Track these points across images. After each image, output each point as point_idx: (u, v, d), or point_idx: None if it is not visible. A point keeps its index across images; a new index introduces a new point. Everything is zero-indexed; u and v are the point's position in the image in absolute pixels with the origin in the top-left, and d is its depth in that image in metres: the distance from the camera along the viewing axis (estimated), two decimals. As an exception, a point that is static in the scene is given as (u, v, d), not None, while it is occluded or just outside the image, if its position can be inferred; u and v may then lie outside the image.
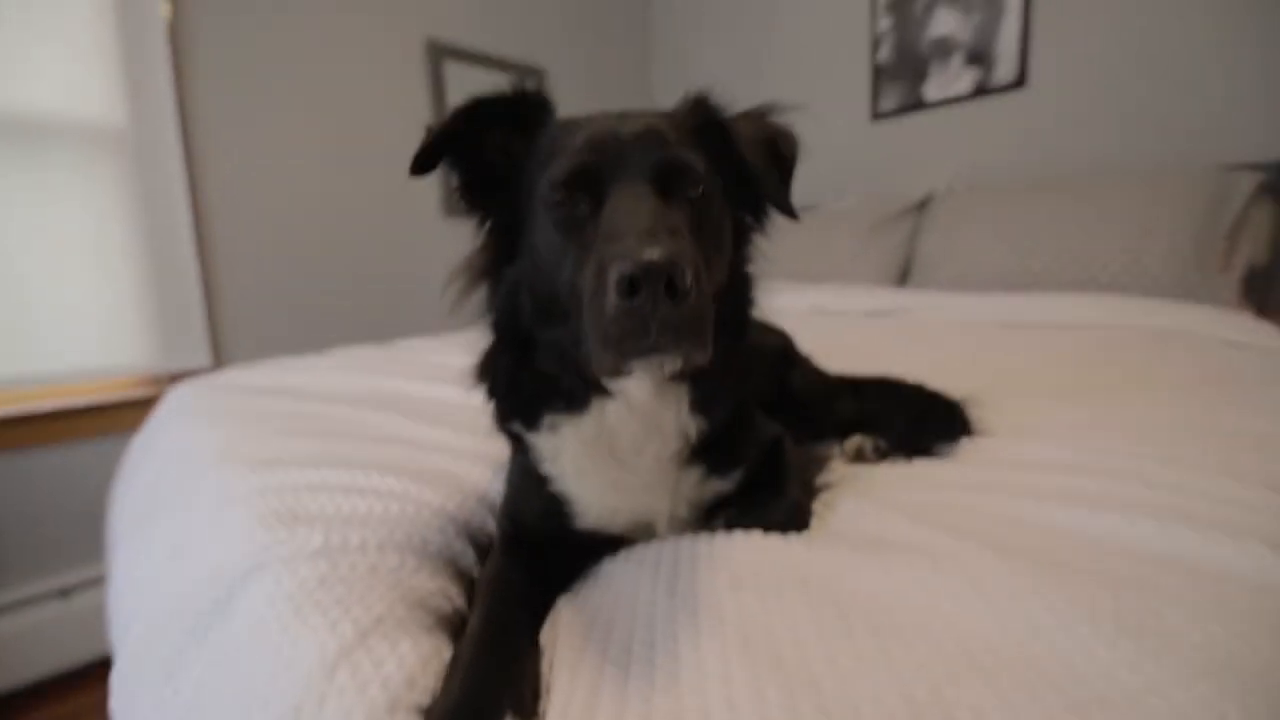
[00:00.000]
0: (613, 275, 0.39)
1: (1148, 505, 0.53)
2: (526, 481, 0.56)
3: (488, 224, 0.57)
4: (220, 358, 2.04)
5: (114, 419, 1.85)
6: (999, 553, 0.45)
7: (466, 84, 2.63)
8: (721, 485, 0.57)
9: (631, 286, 0.38)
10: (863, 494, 0.62)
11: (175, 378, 1.94)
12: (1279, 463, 0.62)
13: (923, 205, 2.26)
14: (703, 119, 0.56)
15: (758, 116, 0.59)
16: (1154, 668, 0.34)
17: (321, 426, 0.89)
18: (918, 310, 1.71)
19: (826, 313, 1.83)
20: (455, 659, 0.42)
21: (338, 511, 0.62)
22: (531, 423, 0.54)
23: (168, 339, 1.94)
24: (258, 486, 0.68)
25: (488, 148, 0.56)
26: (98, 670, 1.77)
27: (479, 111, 0.54)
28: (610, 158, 0.48)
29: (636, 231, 0.42)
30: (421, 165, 0.53)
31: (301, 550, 0.55)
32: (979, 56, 2.28)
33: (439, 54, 2.51)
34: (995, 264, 1.87)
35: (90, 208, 1.80)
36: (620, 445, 0.52)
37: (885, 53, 2.53)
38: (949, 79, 2.37)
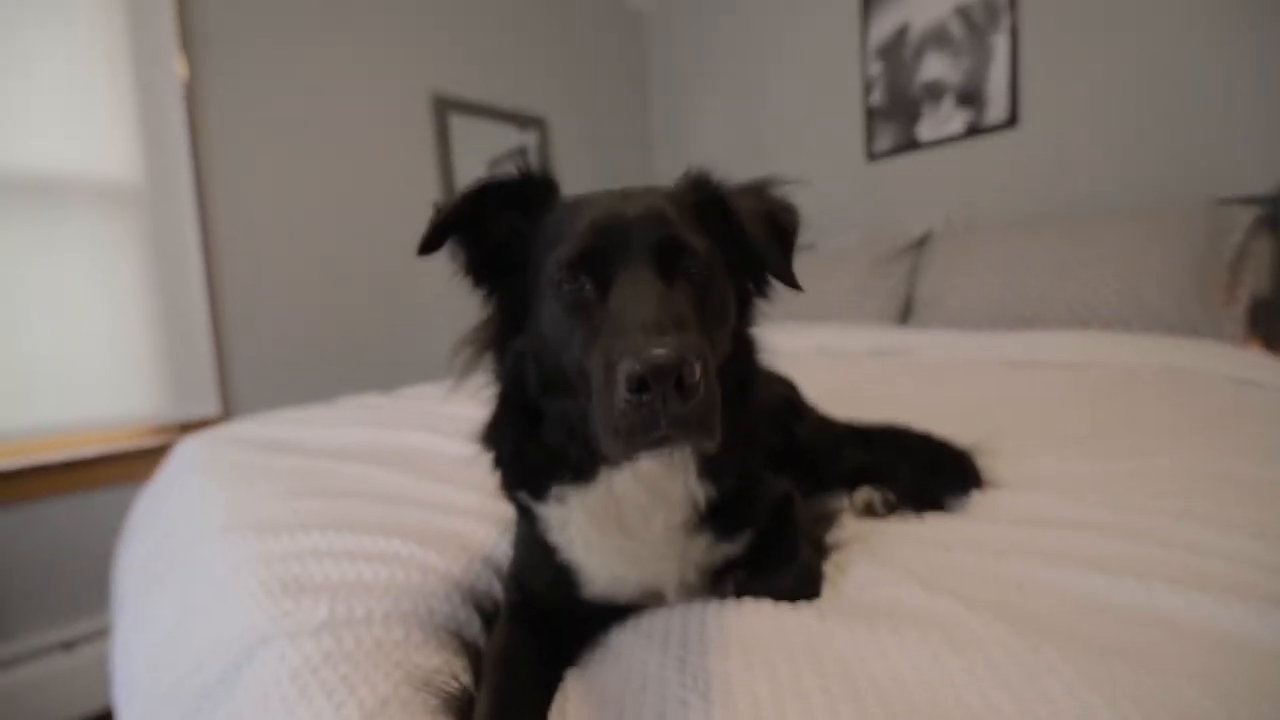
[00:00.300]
0: (622, 372, 0.40)
1: (1163, 567, 0.52)
2: (533, 551, 0.56)
3: (495, 298, 0.59)
4: (230, 406, 2.05)
5: (124, 469, 1.86)
6: (1013, 625, 0.44)
7: (470, 134, 2.71)
8: (731, 549, 0.57)
9: (640, 384, 0.39)
10: (874, 554, 0.61)
11: (185, 427, 1.96)
12: None
13: (921, 243, 2.29)
14: (703, 196, 0.57)
15: (757, 190, 0.60)
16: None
17: (328, 485, 0.89)
18: (921, 349, 1.71)
19: (830, 353, 1.83)
20: None
21: (343, 580, 0.62)
22: (538, 493, 0.54)
23: (178, 388, 1.96)
24: (263, 553, 0.68)
25: (494, 227, 0.57)
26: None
27: (486, 194, 0.55)
28: (615, 241, 0.49)
29: (644, 325, 0.43)
30: (428, 245, 0.54)
31: (306, 624, 0.55)
32: (970, 98, 2.34)
33: (444, 107, 2.60)
34: (995, 301, 1.88)
35: (104, 261, 1.84)
36: (628, 515, 0.52)
37: (877, 96, 2.60)
38: (941, 120, 2.43)
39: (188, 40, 1.96)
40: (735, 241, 0.55)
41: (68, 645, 1.81)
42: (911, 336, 1.82)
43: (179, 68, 1.93)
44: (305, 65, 2.23)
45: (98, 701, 1.76)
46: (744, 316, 0.60)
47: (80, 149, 1.81)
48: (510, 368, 0.56)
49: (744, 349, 0.59)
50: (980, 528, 0.65)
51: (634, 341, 0.41)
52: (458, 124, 2.65)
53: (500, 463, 0.57)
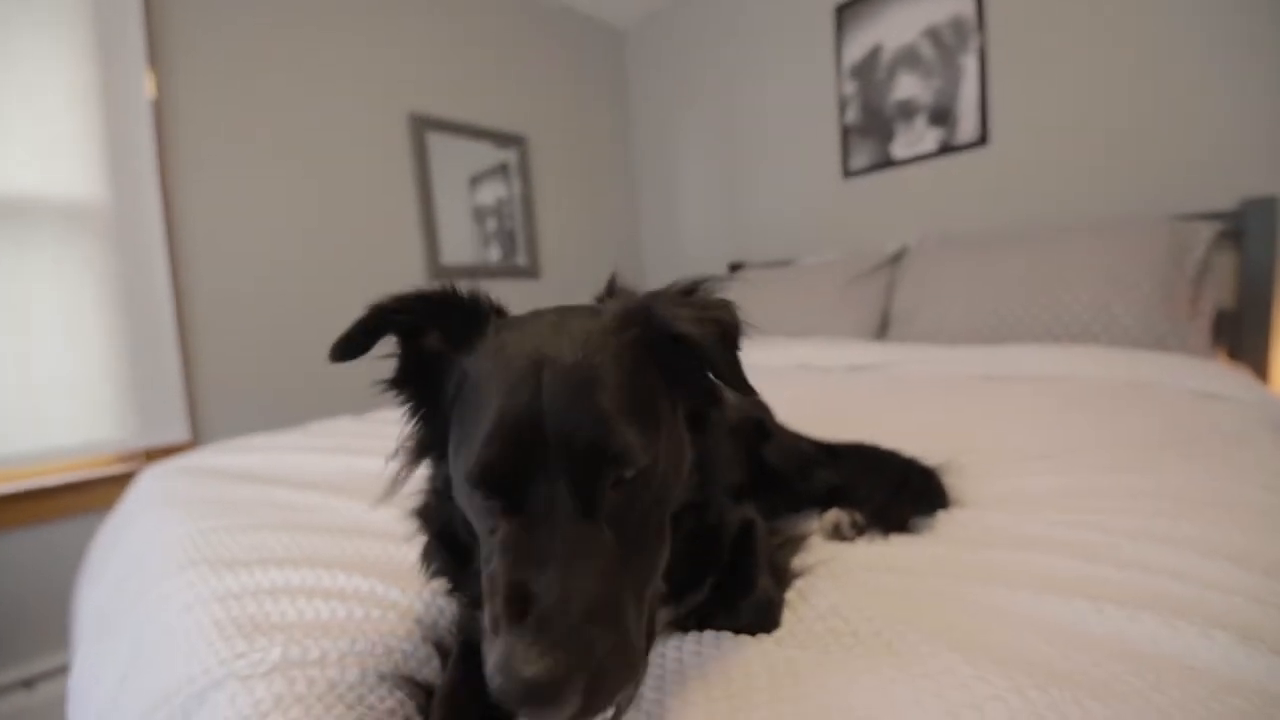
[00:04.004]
0: (489, 676, 0.35)
1: (1115, 588, 0.53)
2: (473, 625, 0.53)
3: (420, 417, 0.53)
4: (199, 431, 2.01)
5: (90, 497, 1.81)
6: (963, 652, 0.44)
7: (449, 153, 2.72)
8: (694, 598, 0.56)
9: (522, 705, 0.34)
10: (836, 579, 0.61)
11: (153, 453, 1.91)
12: (1248, 534, 0.63)
13: (896, 259, 2.32)
14: (645, 331, 0.48)
15: (691, 296, 0.52)
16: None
17: (289, 518, 0.87)
18: (898, 364, 1.73)
19: (810, 368, 1.85)
20: None
21: (299, 619, 0.61)
22: (478, 604, 0.48)
23: (146, 414, 1.92)
24: (218, 591, 0.67)
25: (426, 338, 0.52)
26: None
27: (420, 303, 0.49)
28: (525, 452, 0.41)
29: (525, 616, 0.36)
30: (344, 351, 0.49)
31: (259, 665, 0.53)
32: (941, 117, 2.39)
33: (421, 126, 2.60)
34: (969, 316, 1.91)
35: (68, 283, 1.81)
36: None
37: (852, 114, 2.65)
38: (914, 138, 2.48)
39: (157, 58, 1.95)
40: (683, 362, 0.49)
41: (28, 683, 1.74)
42: (888, 352, 1.84)
43: (148, 87, 1.91)
44: (278, 84, 2.22)
45: (61, 741, 1.69)
46: (703, 441, 0.54)
47: (44, 169, 1.77)
48: (435, 499, 0.53)
49: (707, 465, 0.54)
50: (942, 550, 0.66)
51: (505, 645, 0.35)
52: (436, 142, 2.66)
53: (437, 575, 0.56)
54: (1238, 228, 1.78)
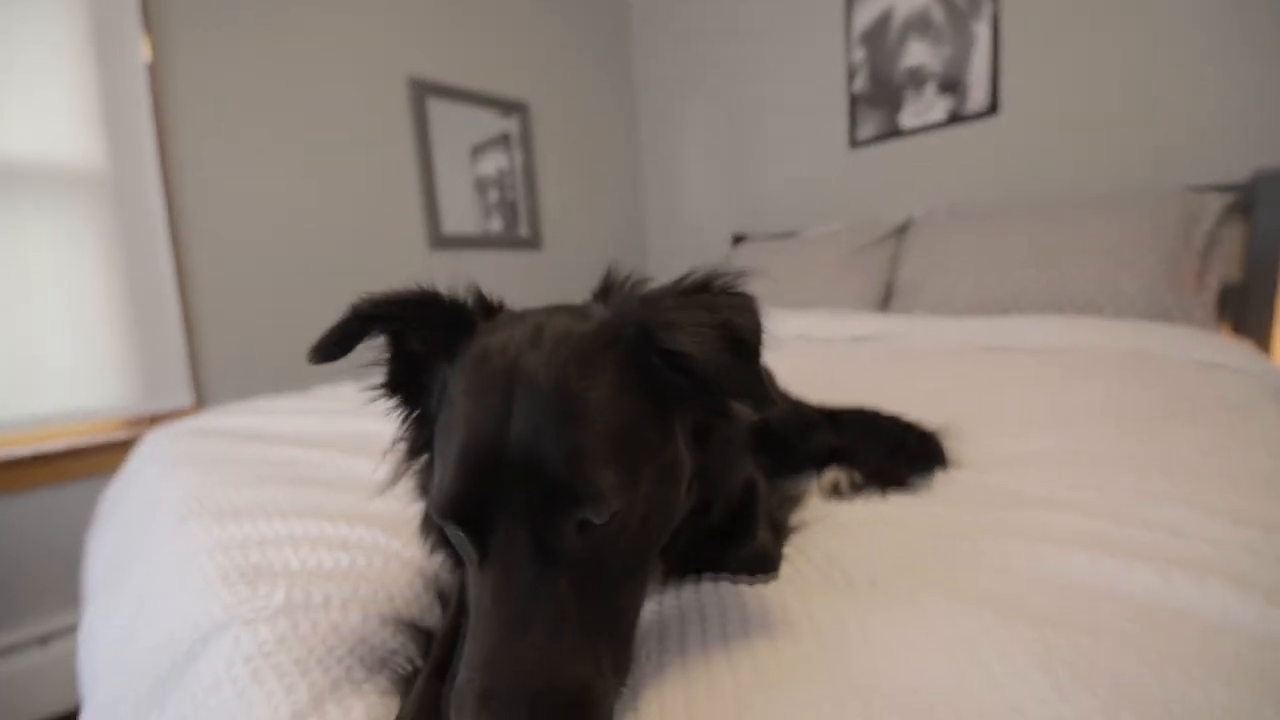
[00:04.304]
0: None
1: (1110, 541, 0.53)
2: None
3: (410, 416, 0.52)
4: (202, 397, 2.02)
5: (95, 461, 1.83)
6: (958, 598, 0.45)
7: (450, 120, 2.67)
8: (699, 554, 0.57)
9: None
10: (833, 534, 0.62)
11: (157, 419, 1.93)
12: (1248, 496, 0.63)
13: (902, 230, 2.30)
14: (636, 340, 0.43)
15: (700, 293, 0.45)
16: (1118, 716, 0.34)
17: (293, 473, 0.88)
18: (900, 335, 1.72)
19: (812, 339, 1.84)
20: (399, 716, 0.42)
21: (303, 566, 0.62)
22: None
23: (149, 380, 1.93)
24: (222, 541, 0.67)
25: (414, 340, 0.50)
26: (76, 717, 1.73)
27: (402, 304, 0.47)
28: (488, 487, 0.38)
29: (479, 686, 0.34)
30: (323, 354, 0.47)
31: (263, 610, 0.54)
32: (951, 85, 2.34)
33: (421, 91, 2.56)
34: (974, 288, 1.89)
35: (69, 250, 1.80)
36: None
37: (861, 82, 2.60)
38: (923, 107, 2.43)
39: (152, 23, 1.91)
40: (686, 374, 0.42)
41: (43, 640, 1.79)
42: (890, 323, 1.83)
43: (143, 51, 1.88)
44: (276, 47, 2.17)
45: (74, 697, 1.74)
46: (713, 452, 0.50)
47: (41, 134, 1.75)
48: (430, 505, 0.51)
49: (714, 479, 0.51)
50: (938, 507, 0.66)
51: (468, 706, 0.34)
52: (437, 109, 2.61)
53: (430, 546, 0.56)
54: (1248, 200, 1.75)
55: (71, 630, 1.78)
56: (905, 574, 0.49)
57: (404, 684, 0.47)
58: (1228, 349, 1.29)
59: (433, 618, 0.59)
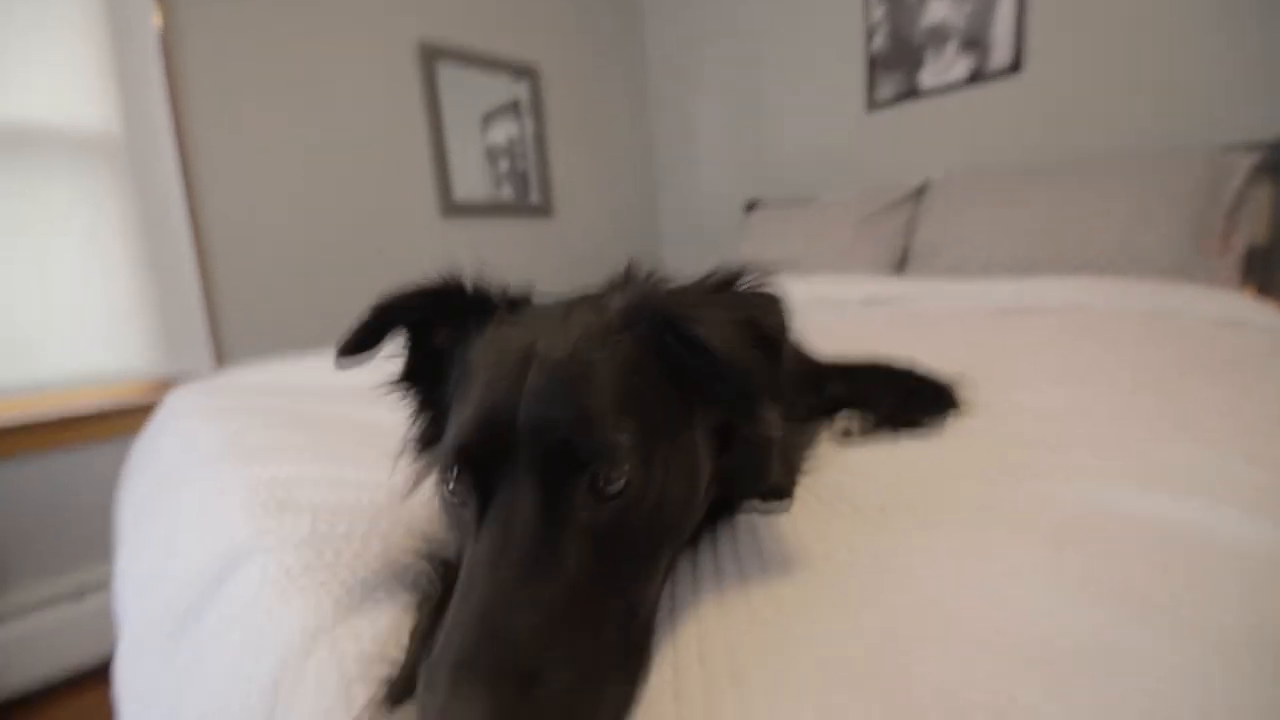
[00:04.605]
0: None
1: (1122, 475, 0.53)
2: None
3: (423, 410, 0.52)
4: (222, 359, 2.06)
5: (119, 423, 1.87)
6: (968, 522, 0.45)
7: (460, 86, 2.65)
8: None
9: None
10: (843, 470, 0.63)
11: (178, 381, 1.97)
12: (1261, 439, 0.62)
13: (919, 193, 2.26)
14: (653, 323, 0.42)
15: (724, 290, 0.45)
16: (1124, 627, 0.34)
17: (318, 422, 0.90)
18: (914, 298, 1.70)
19: (825, 303, 1.83)
20: (414, 630, 0.43)
21: (324, 502, 0.63)
22: None
23: (170, 343, 1.97)
24: (250, 480, 0.70)
25: (435, 333, 0.50)
26: (110, 670, 1.80)
27: (407, 305, 0.48)
28: (498, 446, 0.38)
29: (464, 648, 0.30)
30: (350, 351, 0.47)
31: (289, 538, 0.56)
32: (974, 43, 2.27)
33: (431, 55, 2.53)
34: (992, 250, 1.87)
35: (88, 215, 1.82)
36: None
37: (880, 41, 2.53)
38: (944, 66, 2.36)
39: (162, -10, 1.90)
40: (706, 369, 0.41)
41: (78, 593, 1.86)
42: (905, 286, 1.81)
43: (155, 20, 1.88)
44: (285, 11, 2.16)
45: (110, 648, 1.81)
46: (730, 448, 0.48)
47: (56, 99, 1.77)
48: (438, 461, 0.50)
49: (738, 483, 0.51)
50: (947, 447, 0.66)
51: (435, 687, 0.30)
52: (446, 74, 2.59)
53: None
54: (1276, 159, 1.70)
55: (106, 584, 1.85)
56: (913, 503, 0.50)
57: (425, 602, 0.48)
58: (1248, 307, 1.26)
59: (452, 553, 0.60)
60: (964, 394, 0.84)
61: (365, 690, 0.37)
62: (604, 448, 0.36)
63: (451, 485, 0.40)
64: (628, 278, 0.51)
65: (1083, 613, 0.35)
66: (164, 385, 1.98)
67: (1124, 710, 0.29)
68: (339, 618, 0.44)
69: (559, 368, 0.39)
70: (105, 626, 1.78)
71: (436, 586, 0.51)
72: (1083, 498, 0.49)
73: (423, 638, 0.40)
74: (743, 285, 0.45)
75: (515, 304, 0.51)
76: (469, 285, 0.49)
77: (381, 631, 0.43)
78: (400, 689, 0.36)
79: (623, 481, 0.37)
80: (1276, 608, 0.37)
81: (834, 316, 1.65)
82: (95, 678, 1.81)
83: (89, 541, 1.84)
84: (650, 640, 0.37)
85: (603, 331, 0.42)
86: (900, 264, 2.18)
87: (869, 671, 0.33)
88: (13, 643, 1.72)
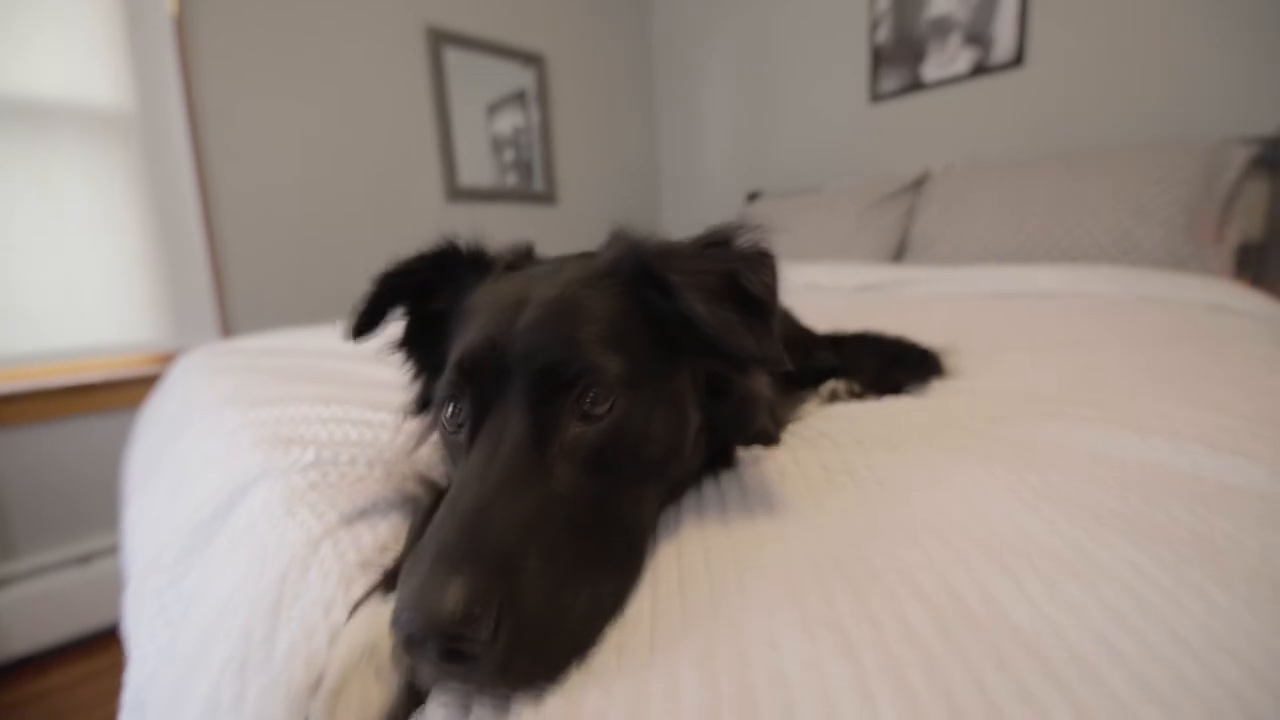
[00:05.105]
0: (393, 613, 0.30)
1: (1098, 420, 0.55)
2: None
3: (421, 373, 0.55)
4: (228, 334, 2.09)
5: (126, 394, 1.90)
6: (940, 450, 0.48)
7: (467, 74, 2.67)
8: None
9: (408, 646, 0.29)
10: (825, 419, 0.65)
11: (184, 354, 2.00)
12: (1251, 400, 0.64)
13: (919, 184, 2.28)
14: (633, 269, 0.44)
15: (715, 244, 0.46)
16: (1076, 529, 0.37)
17: (320, 375, 0.93)
18: (906, 283, 1.73)
19: (819, 288, 1.85)
20: (409, 531, 0.45)
21: (330, 437, 0.66)
22: None
23: (177, 317, 2.00)
24: (257, 420, 0.72)
25: (434, 299, 0.52)
26: (115, 633, 1.84)
27: (422, 264, 0.50)
28: (491, 371, 0.40)
29: (442, 541, 0.31)
30: (361, 327, 0.50)
31: (295, 464, 0.59)
32: (977, 36, 2.29)
33: (438, 39, 2.56)
34: (989, 240, 1.88)
35: (99, 191, 1.85)
36: None
37: (884, 33, 2.54)
38: (947, 59, 2.38)
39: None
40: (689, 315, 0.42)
41: (83, 559, 1.89)
42: (898, 272, 1.83)
43: (168, 1, 1.91)
44: (297, -8, 2.19)
45: (114, 613, 1.85)
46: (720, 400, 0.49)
47: (71, 76, 1.79)
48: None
49: (727, 431, 0.51)
50: (928, 402, 0.69)
51: (417, 568, 0.30)
52: (454, 61, 2.61)
53: None
54: (1273, 155, 1.71)
55: (109, 551, 1.88)
56: (889, 438, 0.53)
57: (418, 511, 0.51)
58: (1234, 293, 1.28)
59: (447, 482, 0.63)
60: (950, 362, 0.87)
61: (364, 581, 0.40)
62: (590, 370, 0.38)
63: (449, 412, 0.43)
64: (620, 236, 0.54)
65: (1039, 517, 0.38)
66: (170, 358, 2.01)
67: (1066, 590, 0.31)
68: (343, 524, 0.47)
69: (550, 304, 0.42)
70: (110, 592, 1.82)
71: (431, 503, 0.54)
72: (1052, 437, 0.52)
73: (415, 537, 0.43)
74: (735, 242, 0.46)
75: (513, 265, 0.54)
76: (464, 247, 0.52)
77: (381, 537, 0.45)
78: (395, 578, 0.39)
79: (608, 405, 0.39)
80: (1225, 523, 0.39)
81: (826, 300, 1.67)
82: (99, 641, 1.84)
83: (95, 509, 1.88)
84: (639, 556, 0.39)
85: (592, 276, 0.44)
86: (898, 253, 2.20)
87: (833, 559, 0.35)
88: (20, 605, 1.75)
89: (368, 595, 0.39)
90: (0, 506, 1.78)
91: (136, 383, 1.92)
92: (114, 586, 1.82)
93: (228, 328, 2.09)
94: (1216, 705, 0.24)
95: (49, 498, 1.85)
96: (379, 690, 0.31)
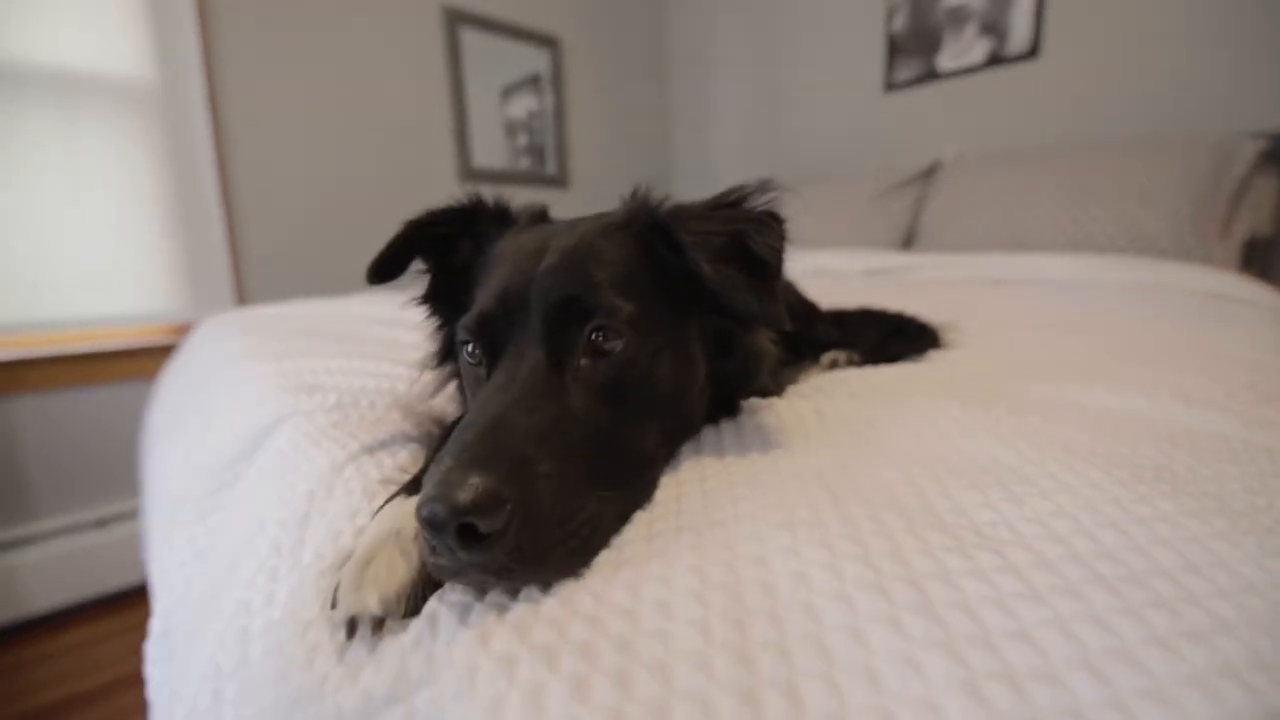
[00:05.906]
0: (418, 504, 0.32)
1: (1079, 380, 0.58)
2: None
3: (443, 326, 0.58)
4: (244, 305, 2.13)
5: (144, 363, 1.95)
6: (925, 397, 0.50)
7: (482, 56, 2.69)
8: None
9: (429, 526, 0.31)
10: (824, 380, 0.68)
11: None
12: (1241, 370, 0.65)
13: (929, 173, 2.29)
14: (647, 224, 0.47)
15: (726, 205, 0.48)
16: (1045, 459, 0.39)
17: (338, 334, 0.96)
18: (913, 269, 1.74)
19: (825, 273, 1.87)
20: (429, 449, 0.49)
21: (350, 385, 0.70)
22: None
23: (194, 289, 2.04)
24: (279, 370, 0.76)
25: (457, 254, 0.55)
26: (132, 595, 1.90)
27: (443, 218, 0.53)
28: (512, 306, 0.43)
29: (464, 444, 0.34)
30: (386, 267, 0.53)
31: (319, 406, 0.63)
32: (992, 26, 2.28)
33: (454, 19, 2.58)
34: (997, 229, 1.89)
35: (119, 161, 1.89)
36: None
37: (900, 22, 2.54)
38: (962, 49, 2.38)
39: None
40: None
41: (101, 522, 1.95)
42: (905, 259, 1.85)
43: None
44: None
45: (131, 576, 1.91)
46: (727, 355, 0.51)
47: (93, 47, 1.83)
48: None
49: (733, 383, 0.53)
50: (923, 367, 0.71)
51: (439, 467, 0.33)
52: (469, 39, 2.63)
53: None
54: (1280, 148, 1.71)
55: (126, 515, 1.94)
56: (880, 390, 0.55)
57: (436, 436, 0.54)
58: (1234, 283, 1.30)
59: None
60: (949, 337, 0.89)
61: (387, 493, 0.43)
62: (604, 306, 0.41)
63: (471, 347, 0.46)
64: (637, 195, 0.57)
65: (1012, 448, 0.41)
66: (185, 329, 2.06)
67: (1030, 503, 0.34)
68: (364, 453, 0.51)
69: (569, 251, 0.45)
70: (128, 554, 1.87)
71: (450, 427, 0.58)
72: (1036, 392, 0.54)
73: (434, 451, 0.46)
74: (749, 201, 0.48)
75: (534, 219, 0.58)
76: (491, 201, 0.56)
77: (401, 461, 0.49)
78: (417, 484, 0.42)
79: (620, 342, 0.42)
80: (1186, 458, 0.41)
81: (832, 284, 1.69)
82: (116, 602, 1.90)
83: (113, 474, 1.93)
84: (647, 484, 0.41)
85: (607, 227, 0.48)
86: (907, 241, 2.21)
87: (821, 481, 0.38)
88: (41, 565, 1.81)
89: (392, 497, 0.42)
90: (22, 469, 1.84)
91: (152, 351, 1.97)
92: (131, 549, 1.88)
93: (243, 300, 2.13)
94: (1157, 590, 0.27)
95: (68, 462, 1.90)
96: (404, 564, 0.34)
